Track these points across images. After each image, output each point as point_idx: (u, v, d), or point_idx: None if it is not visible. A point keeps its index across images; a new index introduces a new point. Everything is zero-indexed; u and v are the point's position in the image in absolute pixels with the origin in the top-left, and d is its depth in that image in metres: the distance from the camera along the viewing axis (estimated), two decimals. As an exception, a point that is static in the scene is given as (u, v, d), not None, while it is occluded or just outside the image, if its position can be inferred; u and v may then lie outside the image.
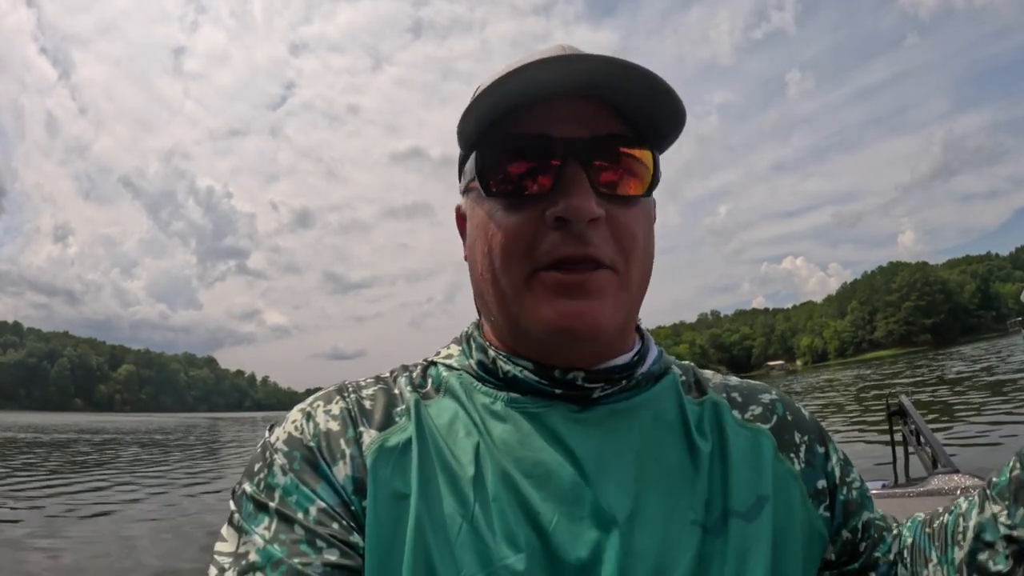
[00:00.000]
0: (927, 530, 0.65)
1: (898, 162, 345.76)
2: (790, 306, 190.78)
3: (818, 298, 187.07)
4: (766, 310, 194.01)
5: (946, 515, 0.65)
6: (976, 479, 4.47)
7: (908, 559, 0.66)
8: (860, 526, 0.66)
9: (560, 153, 0.55)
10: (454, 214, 0.69)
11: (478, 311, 0.67)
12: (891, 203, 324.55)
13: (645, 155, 0.58)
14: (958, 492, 4.19)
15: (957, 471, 4.72)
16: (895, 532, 0.69)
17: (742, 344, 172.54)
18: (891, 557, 0.67)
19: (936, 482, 4.52)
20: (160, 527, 8.77)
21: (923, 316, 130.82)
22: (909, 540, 0.67)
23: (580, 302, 0.55)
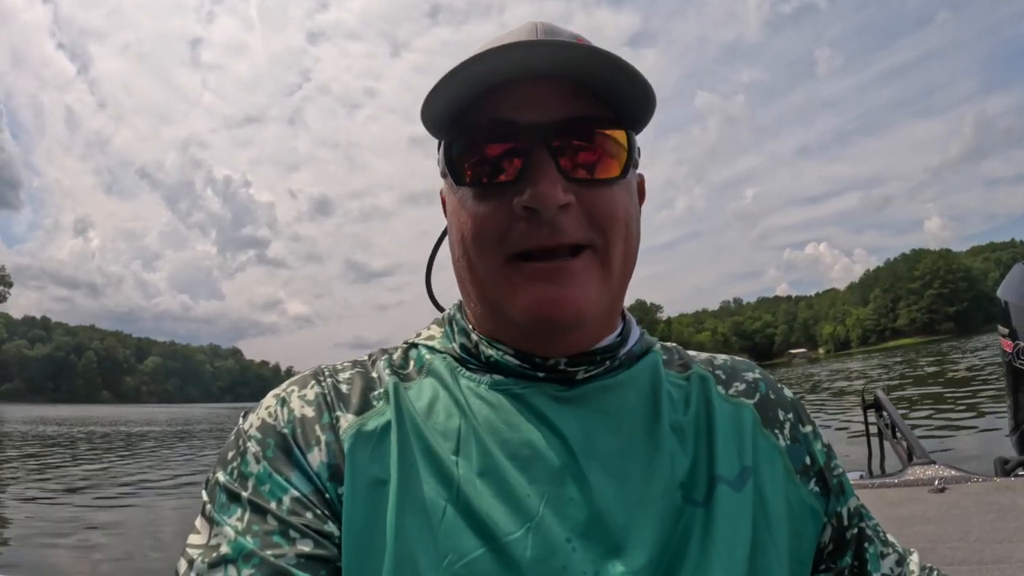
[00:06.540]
0: None
1: (924, 146, 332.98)
2: (813, 294, 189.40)
3: (843, 285, 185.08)
4: (788, 298, 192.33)
5: None
6: (952, 470, 4.84)
7: None
8: (845, 512, 0.65)
9: (526, 139, 0.54)
10: (439, 198, 0.66)
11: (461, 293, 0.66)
12: (918, 187, 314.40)
13: (619, 135, 0.57)
14: (936, 482, 4.56)
15: (933, 462, 5.06)
16: (896, 553, 0.67)
17: (764, 332, 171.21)
18: (888, 569, 0.65)
19: (913, 472, 4.86)
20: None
21: (946, 304, 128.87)
22: None
23: (559, 288, 0.54)
